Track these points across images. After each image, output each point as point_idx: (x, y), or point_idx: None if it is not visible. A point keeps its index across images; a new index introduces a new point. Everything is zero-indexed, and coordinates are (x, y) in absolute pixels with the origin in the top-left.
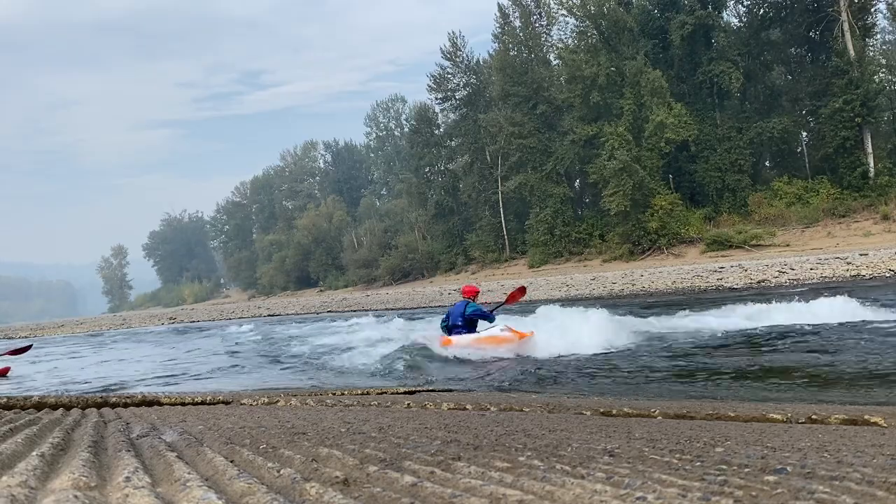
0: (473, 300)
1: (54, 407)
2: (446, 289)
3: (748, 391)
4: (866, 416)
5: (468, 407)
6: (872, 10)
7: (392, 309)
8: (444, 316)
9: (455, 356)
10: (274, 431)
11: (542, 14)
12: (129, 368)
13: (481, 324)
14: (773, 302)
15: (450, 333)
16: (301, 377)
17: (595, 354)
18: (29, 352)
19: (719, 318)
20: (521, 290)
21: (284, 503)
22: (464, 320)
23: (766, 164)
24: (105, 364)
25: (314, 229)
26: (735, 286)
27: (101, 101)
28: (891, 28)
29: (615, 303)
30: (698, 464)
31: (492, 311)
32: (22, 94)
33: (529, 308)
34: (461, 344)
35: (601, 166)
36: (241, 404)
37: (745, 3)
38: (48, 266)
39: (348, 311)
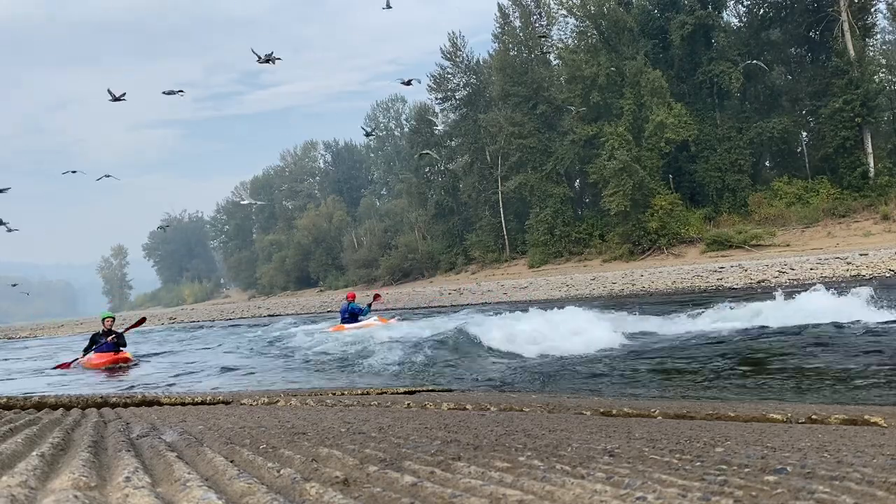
0: (353, 301)
1: (54, 407)
2: (446, 289)
3: (748, 391)
4: (866, 416)
5: (468, 407)
6: (872, 10)
7: (393, 309)
8: (340, 312)
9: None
10: (274, 431)
11: (542, 14)
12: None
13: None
14: (774, 301)
15: (343, 322)
16: (301, 377)
17: (595, 354)
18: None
19: (719, 318)
20: (377, 297)
21: (284, 503)
22: (349, 314)
23: (766, 164)
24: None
25: (314, 229)
26: (735, 286)
27: (101, 100)
28: (891, 28)
29: (615, 303)
30: (698, 464)
31: (367, 306)
32: (21, 93)
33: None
34: (350, 328)
35: (601, 166)
36: (241, 404)
37: (745, 3)
38: (48, 266)
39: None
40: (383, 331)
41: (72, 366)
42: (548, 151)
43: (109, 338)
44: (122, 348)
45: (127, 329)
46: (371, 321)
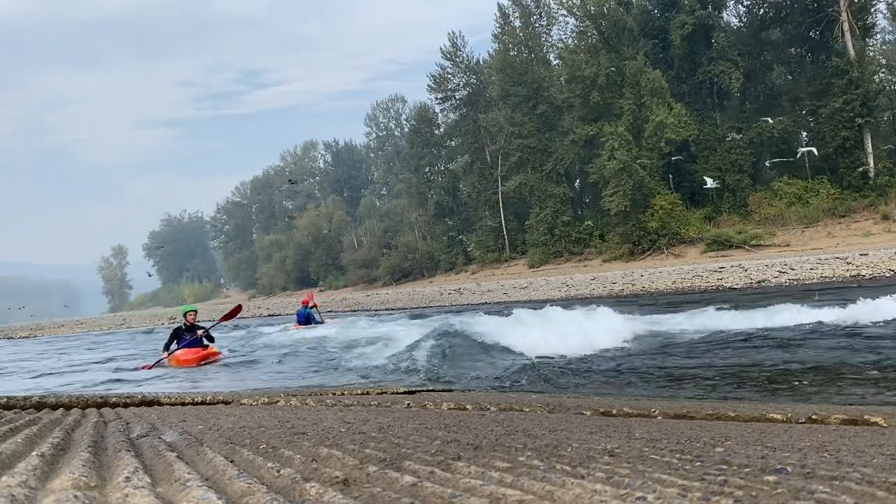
0: (307, 306)
1: (54, 407)
2: (446, 289)
3: (748, 391)
4: (866, 416)
5: (468, 407)
6: (872, 10)
7: (393, 309)
8: (297, 315)
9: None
10: (274, 431)
11: (542, 14)
12: None
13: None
14: (773, 302)
15: (300, 324)
16: (300, 377)
17: (595, 354)
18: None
19: (719, 319)
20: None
21: (284, 503)
22: (305, 317)
23: (766, 164)
24: None
25: (314, 229)
26: (735, 286)
27: (101, 100)
28: (891, 28)
29: (615, 303)
30: (698, 464)
31: (318, 316)
32: (21, 93)
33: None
34: (310, 327)
35: (601, 166)
36: (241, 404)
37: (745, 3)
38: (48, 266)
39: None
40: (369, 331)
41: (153, 366)
42: (548, 151)
43: (199, 332)
44: (209, 343)
45: (220, 320)
46: (326, 323)
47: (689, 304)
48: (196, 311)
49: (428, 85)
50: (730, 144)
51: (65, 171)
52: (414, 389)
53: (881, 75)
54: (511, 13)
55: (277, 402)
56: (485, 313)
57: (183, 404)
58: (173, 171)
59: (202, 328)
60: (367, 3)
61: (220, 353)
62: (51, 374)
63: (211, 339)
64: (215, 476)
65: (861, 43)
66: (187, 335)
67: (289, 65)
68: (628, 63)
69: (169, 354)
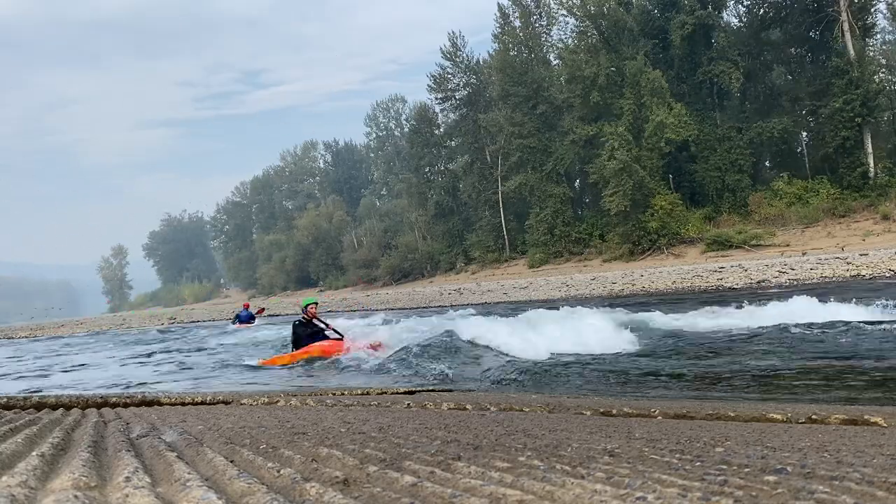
0: (247, 308)
1: (54, 407)
2: (446, 289)
3: (748, 391)
4: (866, 416)
5: (468, 407)
6: (872, 10)
7: (393, 309)
8: (236, 315)
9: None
10: (274, 431)
11: (542, 14)
12: None
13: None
14: (774, 301)
15: (241, 323)
16: (300, 377)
17: (595, 354)
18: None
19: (719, 318)
20: (261, 311)
21: (284, 503)
22: (247, 317)
23: (766, 164)
24: None
25: (314, 229)
26: (735, 286)
27: (101, 100)
28: (891, 28)
29: (615, 303)
30: (698, 464)
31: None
32: (21, 93)
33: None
34: (251, 327)
35: (601, 166)
36: (241, 404)
37: (745, 3)
38: (48, 266)
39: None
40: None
41: (283, 361)
42: (548, 151)
43: (328, 328)
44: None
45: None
46: (257, 322)
47: (689, 304)
48: (317, 304)
49: (428, 85)
50: (730, 144)
51: (65, 171)
52: (414, 389)
53: (881, 75)
54: (511, 13)
55: (277, 402)
56: (484, 314)
57: (183, 404)
58: (173, 171)
59: (325, 322)
60: (367, 3)
61: (343, 349)
62: (51, 374)
63: (339, 334)
64: (215, 476)
65: (861, 43)
66: (310, 329)
67: (289, 65)
68: (628, 63)
69: (298, 348)
